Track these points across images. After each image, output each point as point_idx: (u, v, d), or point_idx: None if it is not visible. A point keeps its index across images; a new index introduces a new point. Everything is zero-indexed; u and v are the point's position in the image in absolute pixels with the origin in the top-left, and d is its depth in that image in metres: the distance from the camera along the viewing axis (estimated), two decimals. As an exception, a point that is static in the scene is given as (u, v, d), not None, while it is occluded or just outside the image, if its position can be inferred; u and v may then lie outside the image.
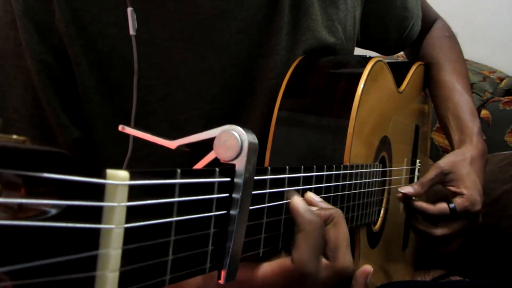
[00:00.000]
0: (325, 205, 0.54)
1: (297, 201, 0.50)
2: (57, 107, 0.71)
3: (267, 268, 0.48)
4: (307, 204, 0.51)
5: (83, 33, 0.69)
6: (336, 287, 0.54)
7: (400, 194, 0.88)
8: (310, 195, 0.54)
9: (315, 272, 0.49)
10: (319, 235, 0.50)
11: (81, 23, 0.68)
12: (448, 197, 0.94)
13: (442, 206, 0.87)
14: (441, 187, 0.93)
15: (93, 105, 0.72)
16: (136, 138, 0.69)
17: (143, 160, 0.73)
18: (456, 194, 0.90)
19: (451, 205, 0.87)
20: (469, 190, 0.89)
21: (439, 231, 0.89)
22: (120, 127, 0.46)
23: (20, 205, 0.23)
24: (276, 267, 0.48)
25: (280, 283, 0.48)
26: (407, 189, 0.88)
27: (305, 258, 0.48)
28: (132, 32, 0.66)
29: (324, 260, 0.52)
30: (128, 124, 0.66)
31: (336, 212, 0.53)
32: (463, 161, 0.91)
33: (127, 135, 0.69)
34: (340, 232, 0.53)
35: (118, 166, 0.71)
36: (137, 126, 0.46)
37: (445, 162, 0.91)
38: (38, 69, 0.69)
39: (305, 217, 0.49)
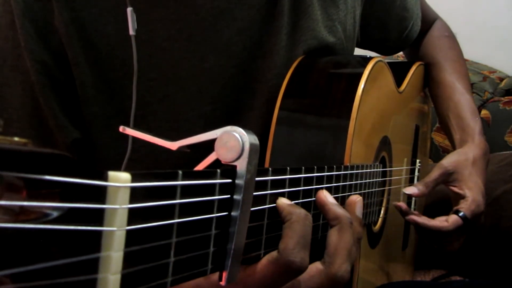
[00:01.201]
0: (336, 206, 0.53)
1: (281, 200, 0.49)
2: (55, 107, 0.70)
3: (258, 264, 0.48)
4: (290, 201, 0.50)
5: (82, 33, 0.69)
6: None
7: (404, 206, 0.87)
8: (325, 194, 0.53)
9: (300, 262, 0.48)
10: (304, 225, 0.48)
11: (80, 23, 0.68)
12: (447, 198, 0.94)
13: (454, 219, 0.86)
14: (441, 189, 0.93)
15: (92, 106, 0.71)
16: (135, 139, 0.69)
17: (142, 161, 0.73)
18: (459, 196, 0.89)
19: (461, 214, 0.86)
20: (472, 191, 0.88)
21: (449, 237, 0.88)
22: (121, 128, 0.46)
23: (22, 207, 0.23)
24: (264, 261, 0.48)
25: (269, 276, 0.47)
26: (412, 190, 0.87)
27: (289, 247, 0.47)
28: (132, 32, 0.66)
29: (318, 265, 0.51)
30: (127, 125, 0.66)
31: (344, 217, 0.52)
32: (466, 161, 0.91)
33: (126, 136, 0.69)
34: (342, 240, 0.51)
35: (117, 167, 0.71)
36: (136, 127, 0.46)
37: (448, 162, 0.91)
38: (37, 70, 0.68)
39: (289, 209, 0.48)
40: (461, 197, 0.89)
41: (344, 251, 0.51)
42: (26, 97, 0.70)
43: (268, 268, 0.47)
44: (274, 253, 0.47)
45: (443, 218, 0.87)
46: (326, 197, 0.54)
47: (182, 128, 0.74)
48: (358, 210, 0.58)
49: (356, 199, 0.59)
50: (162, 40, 0.71)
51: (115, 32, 0.69)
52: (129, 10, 0.65)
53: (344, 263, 0.51)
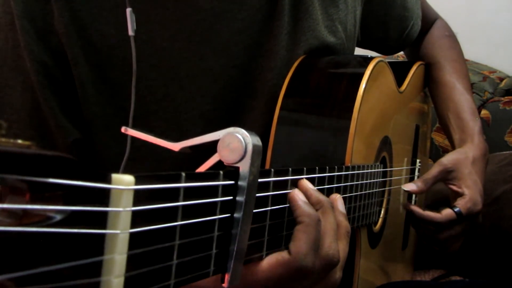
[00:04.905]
0: (317, 192, 0.54)
1: (297, 193, 0.50)
2: (55, 108, 0.70)
3: (263, 263, 0.48)
4: (304, 197, 0.50)
5: (82, 34, 0.68)
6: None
7: (406, 202, 0.87)
8: (306, 183, 0.53)
9: (312, 266, 0.48)
10: (317, 229, 0.49)
11: (80, 24, 0.68)
12: (448, 198, 0.94)
13: (448, 212, 0.87)
14: (442, 188, 0.93)
15: (92, 106, 0.71)
16: (134, 139, 0.68)
17: (142, 161, 0.73)
18: (457, 194, 0.90)
19: (456, 209, 0.87)
20: (470, 190, 0.89)
21: (445, 234, 0.89)
22: (123, 129, 0.45)
23: (25, 210, 0.23)
24: (273, 260, 0.47)
25: (276, 277, 0.47)
26: (411, 187, 0.88)
27: (302, 251, 0.47)
28: (131, 32, 0.65)
29: None
30: (127, 125, 0.66)
31: (326, 201, 0.53)
32: (466, 160, 0.92)
33: (126, 136, 0.68)
34: (326, 221, 0.52)
35: (117, 167, 0.71)
36: (136, 127, 0.46)
37: (448, 159, 0.92)
38: (37, 70, 0.68)
39: (304, 209, 0.49)
40: (459, 195, 0.90)
41: (330, 231, 0.52)
42: (26, 98, 0.70)
43: (277, 269, 0.47)
44: (285, 255, 0.47)
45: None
46: (307, 184, 0.54)
47: (182, 128, 0.74)
48: (340, 206, 0.58)
49: (335, 196, 0.59)
50: (162, 40, 0.70)
51: (115, 32, 0.69)
52: (128, 10, 0.65)
53: (332, 242, 0.52)
